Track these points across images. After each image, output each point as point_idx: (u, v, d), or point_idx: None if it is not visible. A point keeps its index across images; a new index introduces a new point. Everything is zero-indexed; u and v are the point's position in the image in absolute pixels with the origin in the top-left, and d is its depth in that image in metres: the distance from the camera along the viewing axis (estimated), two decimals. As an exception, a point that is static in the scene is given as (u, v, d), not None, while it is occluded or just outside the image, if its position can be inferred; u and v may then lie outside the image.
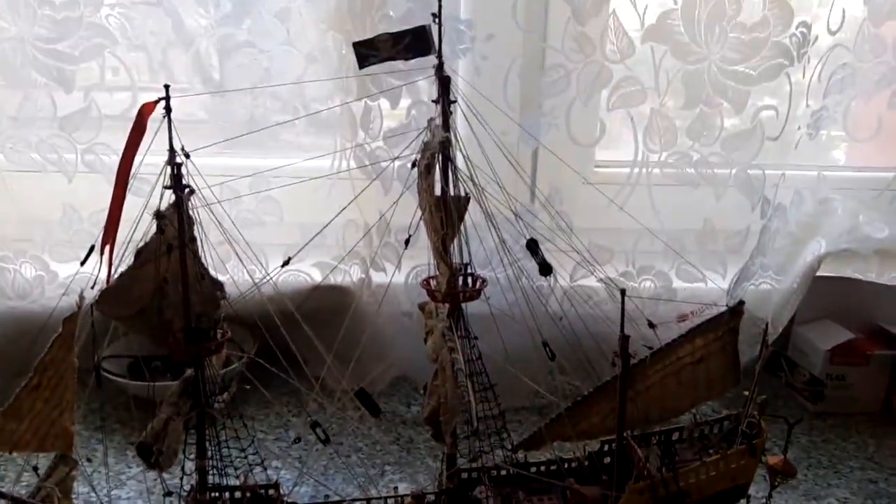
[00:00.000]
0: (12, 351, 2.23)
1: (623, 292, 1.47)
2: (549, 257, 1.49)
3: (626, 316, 1.44)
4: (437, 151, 1.39)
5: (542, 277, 1.43)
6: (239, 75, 2.37)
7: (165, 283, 1.38)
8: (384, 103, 2.36)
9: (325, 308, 2.38)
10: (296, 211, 2.51)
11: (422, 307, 1.67)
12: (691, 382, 1.53)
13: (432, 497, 1.69)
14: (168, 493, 1.48)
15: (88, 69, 2.31)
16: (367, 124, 2.40)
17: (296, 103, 2.45)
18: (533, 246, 1.40)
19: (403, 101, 2.34)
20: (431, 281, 1.53)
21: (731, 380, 1.54)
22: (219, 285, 1.59)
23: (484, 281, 1.49)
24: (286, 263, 1.62)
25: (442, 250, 1.34)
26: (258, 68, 2.36)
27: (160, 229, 1.36)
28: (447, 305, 1.50)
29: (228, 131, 2.18)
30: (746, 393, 1.61)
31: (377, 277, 2.65)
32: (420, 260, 2.68)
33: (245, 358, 1.71)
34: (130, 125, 1.37)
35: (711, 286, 2.45)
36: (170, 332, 1.43)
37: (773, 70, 2.24)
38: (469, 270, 1.51)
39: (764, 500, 1.65)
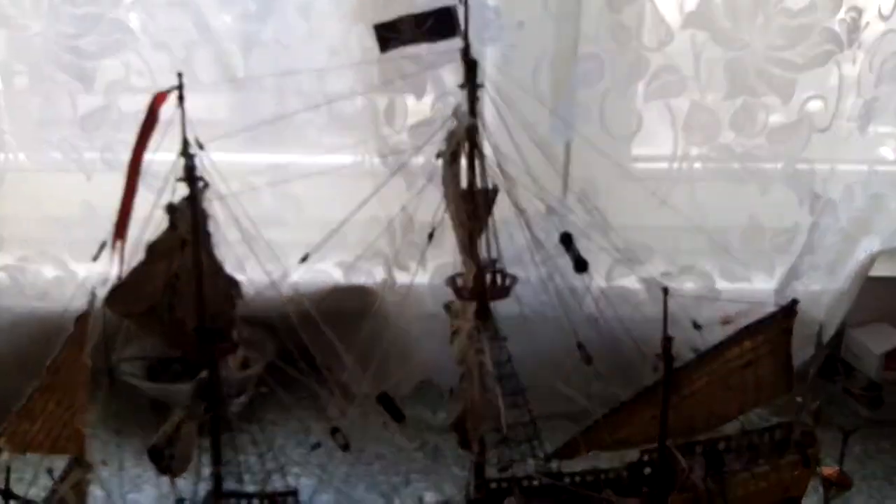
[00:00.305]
0: (35, 352, 2.19)
1: (665, 290, 1.37)
2: (584, 254, 1.39)
3: (668, 317, 1.33)
4: (464, 139, 1.30)
5: (577, 275, 1.33)
6: (261, 72, 2.30)
7: (177, 280, 1.30)
8: (409, 98, 2.28)
9: (347, 309, 2.30)
10: (317, 209, 2.44)
11: (448, 307, 1.58)
12: (740, 387, 1.42)
13: (459, 508, 1.60)
14: (181, 501, 1.41)
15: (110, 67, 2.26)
16: (392, 119, 2.32)
17: (318, 99, 2.38)
18: (567, 240, 1.30)
19: (428, 96, 2.26)
20: (457, 279, 1.44)
21: (783, 385, 1.42)
22: (234, 283, 1.52)
23: (513, 278, 1.40)
24: (304, 259, 1.54)
25: (469, 245, 1.25)
26: (281, 66, 2.30)
27: (172, 224, 1.29)
28: (474, 305, 1.41)
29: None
30: (799, 399, 1.49)
31: (401, 277, 2.56)
32: (446, 258, 2.59)
33: (263, 360, 1.64)
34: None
35: (758, 286, 2.33)
36: (182, 331, 1.36)
37: (820, 58, 2.11)
38: (497, 267, 1.41)
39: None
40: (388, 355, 1.72)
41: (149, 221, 1.29)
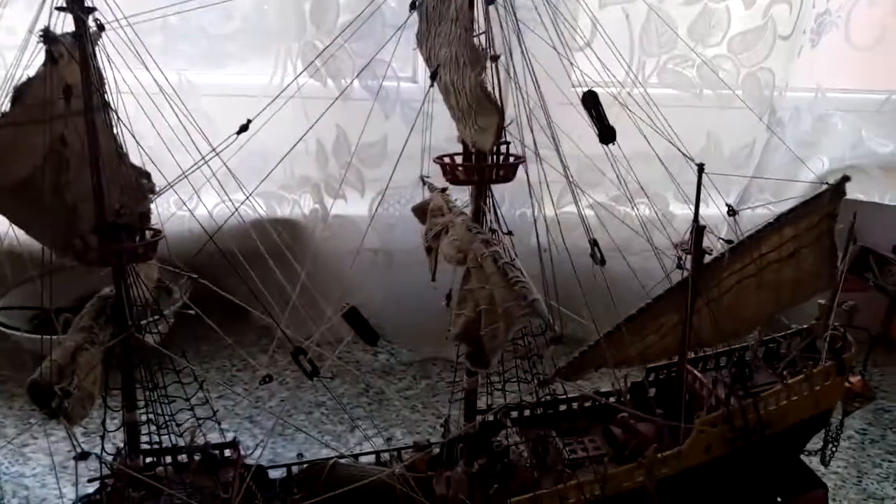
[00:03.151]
0: None
1: (701, 167, 1.07)
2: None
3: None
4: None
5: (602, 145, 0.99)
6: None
7: (64, 147, 0.86)
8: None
9: (271, 247, 1.88)
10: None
11: (421, 208, 1.21)
12: (774, 285, 1.14)
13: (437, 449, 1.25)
14: (82, 456, 0.96)
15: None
16: (321, 16, 1.90)
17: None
18: (591, 101, 0.96)
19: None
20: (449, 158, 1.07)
21: (826, 278, 1.14)
22: (143, 173, 1.08)
23: (519, 158, 1.04)
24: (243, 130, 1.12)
25: (485, 96, 0.87)
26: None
27: (51, 57, 0.84)
28: (465, 195, 1.05)
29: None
30: (822, 302, 1.23)
31: (336, 208, 2.15)
32: (393, 178, 2.20)
33: (186, 278, 1.21)
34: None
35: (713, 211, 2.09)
36: (74, 225, 0.92)
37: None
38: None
39: (837, 427, 1.28)
40: (323, 297, 1.33)
41: (17, 56, 0.84)
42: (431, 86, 0.98)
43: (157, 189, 1.11)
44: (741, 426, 1.12)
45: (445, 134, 1.28)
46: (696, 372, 1.18)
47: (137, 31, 0.92)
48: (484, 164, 1.00)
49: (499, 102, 0.86)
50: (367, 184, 2.12)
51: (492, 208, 1.03)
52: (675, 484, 1.13)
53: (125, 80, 1.02)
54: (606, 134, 0.96)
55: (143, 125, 1.11)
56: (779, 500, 1.23)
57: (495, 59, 0.87)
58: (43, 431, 1.74)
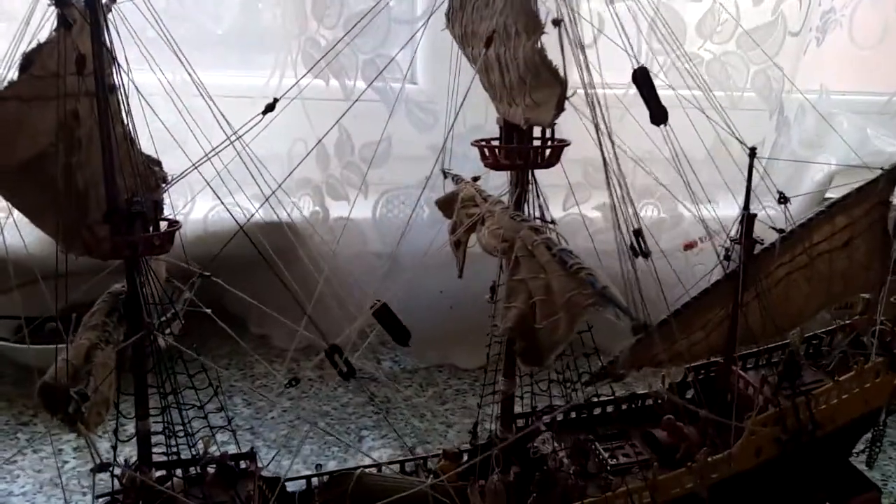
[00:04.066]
0: None
1: (753, 151, 1.00)
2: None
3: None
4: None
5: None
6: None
7: (77, 124, 0.76)
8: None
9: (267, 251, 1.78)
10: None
11: (447, 201, 1.13)
12: (825, 277, 1.07)
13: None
14: (102, 468, 0.83)
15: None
16: (322, 10, 1.81)
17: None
18: (643, 78, 0.89)
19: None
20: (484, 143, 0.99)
21: (879, 270, 1.08)
22: (155, 161, 0.99)
23: (564, 141, 0.96)
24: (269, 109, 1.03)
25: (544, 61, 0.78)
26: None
27: (63, 21, 0.74)
28: (506, 181, 0.97)
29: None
30: (865, 295, 1.17)
31: (337, 210, 2.06)
32: (395, 179, 2.12)
33: (198, 276, 1.11)
34: None
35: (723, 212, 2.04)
36: (86, 214, 0.82)
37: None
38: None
39: (881, 426, 1.21)
40: (319, 304, 1.23)
41: (24, 23, 0.74)
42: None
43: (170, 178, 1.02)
44: (794, 427, 1.04)
45: (456, 131, 1.19)
46: (740, 371, 1.11)
47: (135, 31, 0.83)
48: (530, 146, 0.91)
49: (560, 71, 0.79)
50: (371, 186, 2.04)
51: (536, 196, 0.95)
52: (723, 490, 1.06)
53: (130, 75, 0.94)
54: (659, 115, 0.88)
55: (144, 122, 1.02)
56: (826, 504, 1.16)
57: (557, 23, 0.79)
58: (31, 448, 1.62)
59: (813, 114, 2.20)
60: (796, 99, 2.18)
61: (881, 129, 2.20)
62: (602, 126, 0.91)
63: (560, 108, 0.79)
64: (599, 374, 1.05)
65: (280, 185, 1.05)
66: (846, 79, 2.29)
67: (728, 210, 1.89)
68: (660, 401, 1.21)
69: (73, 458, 1.57)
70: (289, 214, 2.06)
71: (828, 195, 2.10)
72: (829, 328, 1.24)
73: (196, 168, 0.91)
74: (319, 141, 1.48)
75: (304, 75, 1.92)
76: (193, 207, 2.06)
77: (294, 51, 1.92)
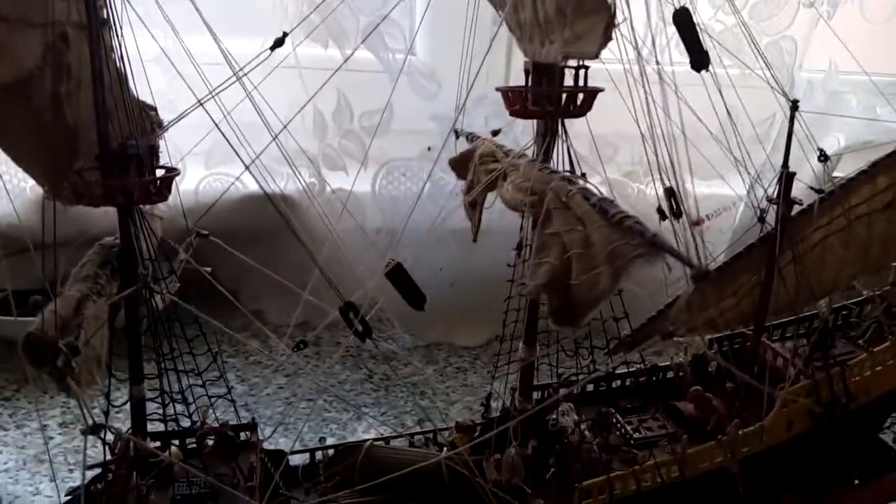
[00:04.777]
0: None
1: (794, 104, 0.94)
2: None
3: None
4: None
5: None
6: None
7: (66, 45, 0.68)
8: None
9: (259, 226, 1.70)
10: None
11: (461, 160, 1.06)
12: (862, 242, 1.01)
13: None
14: (94, 429, 0.73)
15: None
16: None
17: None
18: (683, 20, 0.81)
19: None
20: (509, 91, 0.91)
21: (919, 235, 1.02)
22: (149, 106, 0.90)
23: (596, 89, 0.88)
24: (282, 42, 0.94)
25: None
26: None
27: None
28: (530, 131, 0.89)
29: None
30: None
31: (335, 182, 1.98)
32: (395, 151, 2.04)
33: (194, 235, 1.03)
34: None
35: (729, 190, 1.98)
36: (75, 154, 0.73)
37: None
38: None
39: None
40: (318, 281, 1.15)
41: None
42: None
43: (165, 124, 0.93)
44: (828, 399, 0.98)
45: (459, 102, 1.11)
46: (768, 342, 1.05)
47: None
48: (562, 88, 0.84)
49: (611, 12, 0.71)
50: (370, 158, 1.95)
51: (567, 148, 0.87)
52: (751, 467, 0.99)
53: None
54: (700, 59, 0.81)
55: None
56: (856, 481, 1.10)
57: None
58: (14, 423, 1.53)
59: (822, 91, 2.15)
60: (805, 77, 2.12)
61: (890, 107, 2.14)
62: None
63: (608, 38, 0.71)
64: (623, 343, 0.98)
65: (278, 139, 0.96)
66: (857, 55, 2.23)
67: (729, 190, 1.83)
68: (681, 374, 1.15)
69: (59, 433, 1.48)
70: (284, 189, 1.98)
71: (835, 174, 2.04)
72: (859, 298, 1.18)
73: (201, 104, 0.82)
74: (309, 101, 1.37)
75: (300, 43, 1.83)
76: (185, 176, 1.97)
77: (290, 12, 1.82)
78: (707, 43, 1.63)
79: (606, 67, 0.93)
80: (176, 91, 1.62)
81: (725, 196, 2.02)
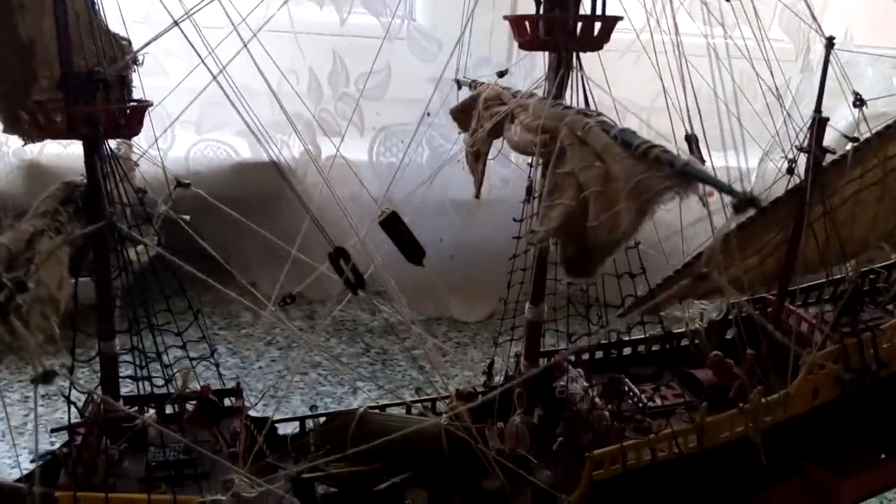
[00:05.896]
0: None
1: (830, 41, 0.86)
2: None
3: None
4: None
5: None
6: None
7: None
8: None
9: (250, 195, 1.62)
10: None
11: (464, 108, 0.97)
12: None
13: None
14: (46, 377, 0.60)
15: None
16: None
17: None
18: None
19: None
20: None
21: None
22: (123, 38, 0.81)
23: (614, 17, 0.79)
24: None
25: None
26: None
27: None
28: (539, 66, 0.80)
29: None
30: None
31: (330, 149, 1.89)
32: (392, 117, 1.95)
33: (175, 185, 0.94)
34: None
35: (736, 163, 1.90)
36: (32, 77, 0.65)
37: None
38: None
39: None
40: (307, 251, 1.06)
41: None
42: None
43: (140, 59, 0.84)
44: (857, 365, 0.90)
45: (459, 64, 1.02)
46: (792, 307, 0.96)
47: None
48: (578, 15, 0.75)
49: None
50: (366, 124, 1.86)
51: (582, 81, 0.78)
52: (773, 437, 0.91)
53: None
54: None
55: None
56: (883, 456, 1.02)
57: None
58: (-7, 392, 1.45)
59: (836, 59, 2.06)
60: (819, 48, 2.03)
61: (905, 77, 2.06)
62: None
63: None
64: (633, 307, 0.90)
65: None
66: (873, 26, 2.15)
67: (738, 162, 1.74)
68: (697, 341, 1.07)
69: (42, 405, 1.40)
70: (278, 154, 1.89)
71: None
72: (887, 262, 1.09)
73: (203, 61, 0.74)
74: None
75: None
76: (174, 143, 1.88)
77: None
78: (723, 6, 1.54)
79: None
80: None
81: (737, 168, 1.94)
